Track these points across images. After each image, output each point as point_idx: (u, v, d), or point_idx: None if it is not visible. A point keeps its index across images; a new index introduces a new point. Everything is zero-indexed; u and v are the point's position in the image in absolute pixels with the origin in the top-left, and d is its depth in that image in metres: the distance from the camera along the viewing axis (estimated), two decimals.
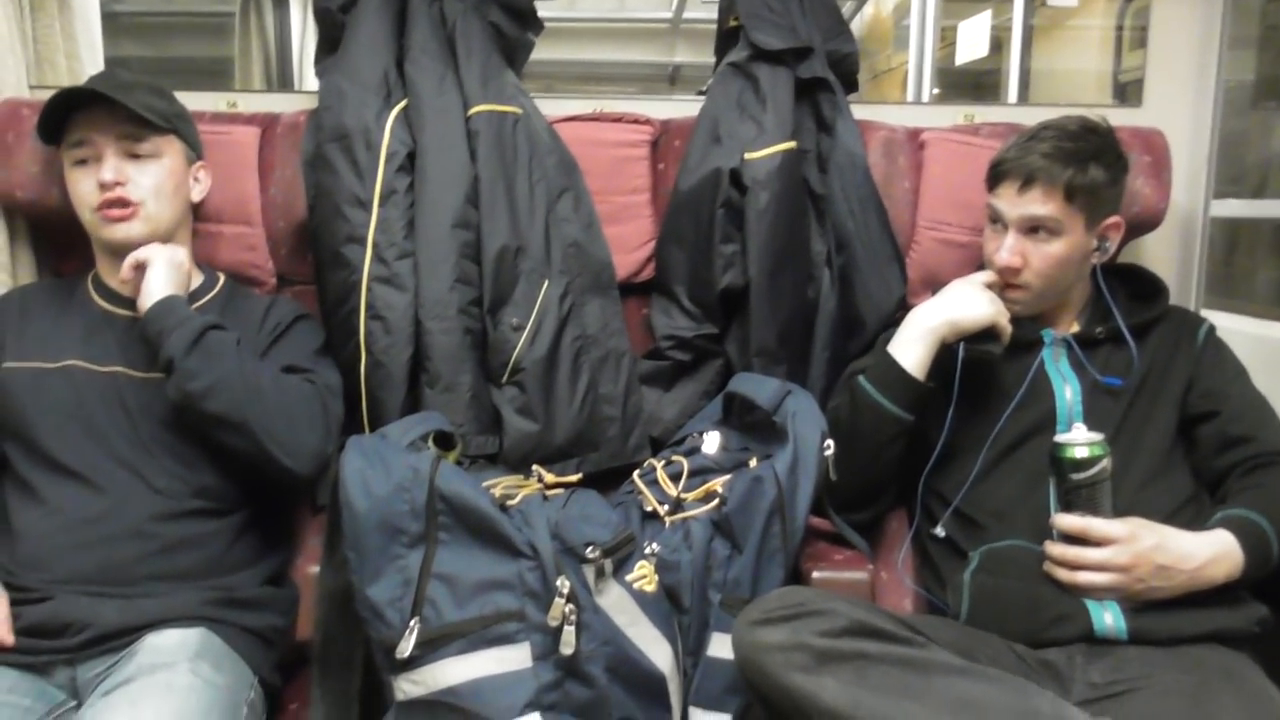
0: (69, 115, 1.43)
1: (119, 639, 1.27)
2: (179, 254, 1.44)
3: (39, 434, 1.36)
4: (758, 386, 1.45)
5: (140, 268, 1.40)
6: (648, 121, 1.74)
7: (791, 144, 1.61)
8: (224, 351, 1.35)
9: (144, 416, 1.39)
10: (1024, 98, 2.72)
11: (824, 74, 1.65)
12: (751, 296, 1.60)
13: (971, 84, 3.35)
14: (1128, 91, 2.11)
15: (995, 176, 1.45)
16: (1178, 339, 1.46)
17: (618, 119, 1.74)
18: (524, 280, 1.57)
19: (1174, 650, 1.22)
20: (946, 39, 3.22)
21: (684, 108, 1.76)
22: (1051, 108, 1.58)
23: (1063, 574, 1.28)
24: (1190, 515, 1.33)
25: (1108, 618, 1.25)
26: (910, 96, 3.30)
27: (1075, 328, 1.49)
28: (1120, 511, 1.29)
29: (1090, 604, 1.27)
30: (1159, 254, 1.82)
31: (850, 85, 1.76)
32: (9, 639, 1.24)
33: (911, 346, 1.43)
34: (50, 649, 1.26)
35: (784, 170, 1.59)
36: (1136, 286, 1.54)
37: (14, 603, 1.28)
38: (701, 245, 1.63)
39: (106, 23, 3.41)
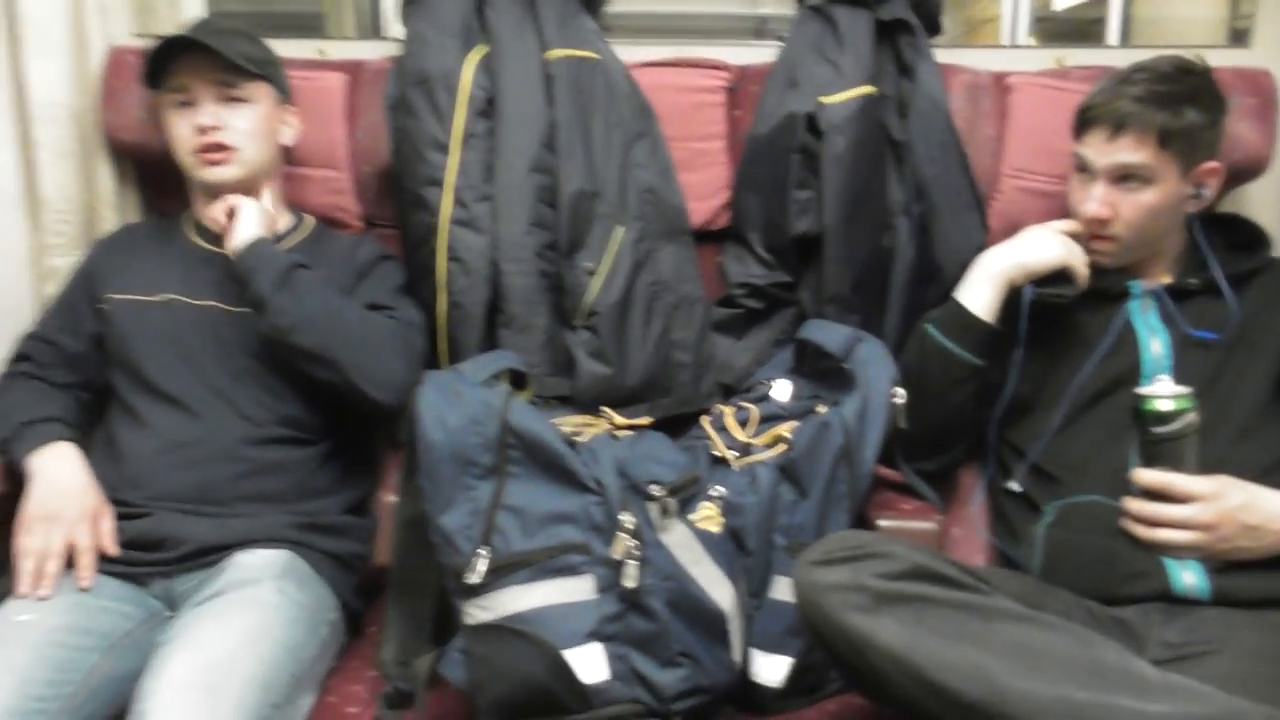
0: (169, 62, 1.49)
1: (211, 555, 1.35)
2: (266, 202, 1.51)
3: (141, 362, 1.45)
4: (828, 333, 1.45)
5: (231, 212, 1.46)
6: (725, 67, 1.73)
7: (870, 88, 1.58)
8: (310, 289, 1.41)
9: (236, 348, 1.46)
10: (1125, 44, 2.60)
11: (905, 15, 1.62)
12: (825, 243, 1.58)
13: (1077, 32, 3.21)
14: (1244, 39, 2.01)
15: (1083, 122, 1.40)
16: (1278, 290, 1.40)
17: (694, 64, 1.73)
18: (599, 225, 1.59)
19: (1258, 613, 1.19)
20: None
21: (762, 54, 1.74)
22: (1148, 49, 1.52)
23: (1141, 530, 1.26)
24: None
25: (1188, 577, 1.23)
26: (1005, 40, 3.18)
27: (1167, 278, 1.44)
28: (1211, 467, 1.26)
29: (1168, 562, 1.24)
30: (1264, 202, 1.73)
31: (934, 28, 1.71)
32: (113, 550, 1.33)
33: (978, 289, 1.41)
34: (148, 562, 1.35)
35: (861, 115, 1.56)
36: (1235, 236, 1.48)
37: (117, 518, 1.37)
38: (776, 191, 1.62)
39: None
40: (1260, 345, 1.38)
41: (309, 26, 3.46)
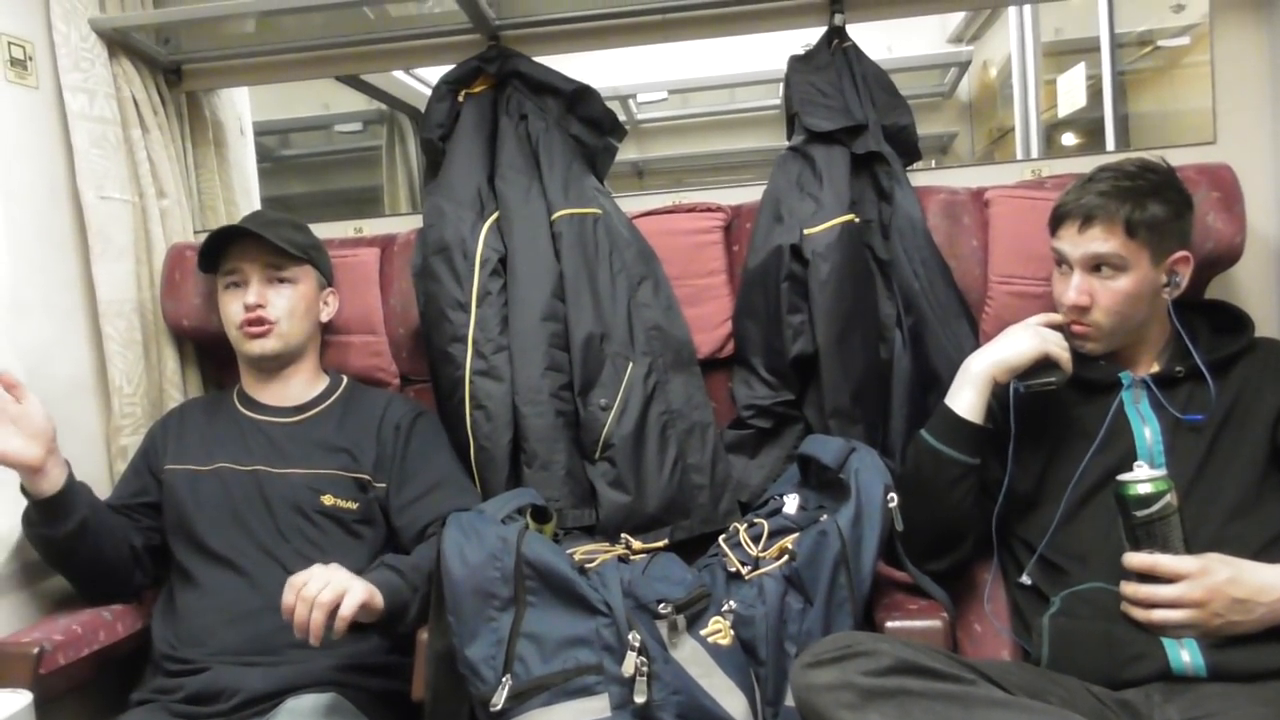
0: (224, 248, 1.70)
1: (264, 703, 1.46)
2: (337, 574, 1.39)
3: (194, 526, 1.60)
4: (823, 447, 1.53)
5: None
6: (720, 209, 1.87)
7: (849, 216, 1.70)
8: (412, 589, 1.45)
9: (281, 507, 1.60)
10: (1122, 144, 2.70)
11: (878, 148, 1.75)
12: (821, 361, 1.68)
13: (1099, 130, 3.32)
14: None
15: (1056, 220, 1.49)
16: (1265, 368, 1.45)
17: (691, 209, 1.88)
18: (610, 363, 1.72)
19: (1255, 686, 1.20)
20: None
21: (754, 193, 1.88)
22: (1115, 155, 1.62)
23: (1138, 613, 1.29)
24: None
25: (1185, 655, 1.25)
26: (1019, 153, 3.31)
27: (1155, 367, 1.49)
28: (1206, 546, 1.29)
29: (1167, 642, 1.26)
30: (1248, 287, 1.79)
31: (912, 154, 1.84)
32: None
33: (962, 391, 1.47)
34: (208, 714, 1.46)
35: (842, 241, 1.68)
36: (1220, 320, 1.53)
37: (176, 674, 1.50)
38: (771, 317, 1.73)
39: (274, 165, 3.86)
40: (1248, 425, 1.41)
41: (369, 200, 3.78)
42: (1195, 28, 2.54)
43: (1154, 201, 1.41)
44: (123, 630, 1.61)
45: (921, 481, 1.48)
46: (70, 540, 1.53)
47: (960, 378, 1.49)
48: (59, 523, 1.51)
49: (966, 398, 1.46)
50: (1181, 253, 1.45)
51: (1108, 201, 1.41)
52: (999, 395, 1.49)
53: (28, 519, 1.54)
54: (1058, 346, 1.45)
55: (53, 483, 1.49)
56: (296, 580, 1.33)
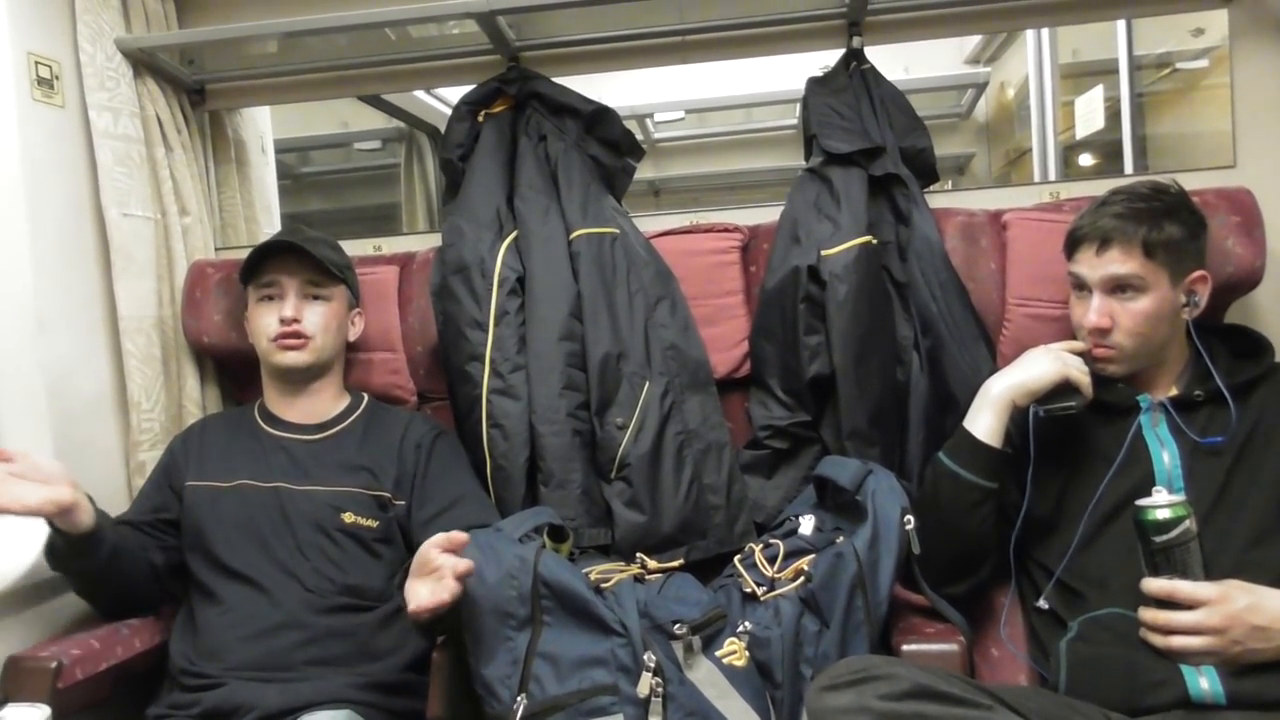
0: (261, 261, 1.71)
1: (280, 719, 1.45)
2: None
3: (214, 542, 1.60)
4: (840, 468, 1.53)
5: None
6: (737, 229, 1.88)
7: (867, 238, 1.70)
8: None
9: (301, 524, 1.61)
10: (1140, 166, 2.70)
11: (895, 170, 1.75)
12: (838, 383, 1.68)
13: (1116, 152, 3.31)
14: None
15: (1072, 244, 1.49)
16: None
17: (709, 229, 1.88)
18: (626, 383, 1.72)
19: (1275, 714, 1.19)
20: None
21: (772, 213, 1.89)
22: (1133, 177, 1.62)
23: (1156, 639, 1.28)
24: None
25: (1204, 682, 1.24)
26: (1036, 175, 3.31)
27: (1174, 390, 1.49)
28: (1228, 573, 1.28)
29: (1186, 669, 1.25)
30: (1269, 311, 1.78)
31: (930, 176, 1.85)
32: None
33: (981, 414, 1.46)
34: None
35: (860, 263, 1.69)
36: (1240, 344, 1.52)
37: (194, 689, 1.50)
38: (788, 338, 1.73)
39: (294, 183, 3.90)
40: (1269, 450, 1.40)
41: (388, 217, 3.81)
42: (1214, 50, 2.54)
43: (1169, 222, 1.41)
44: (140, 645, 1.62)
45: (939, 505, 1.47)
46: (105, 569, 1.53)
47: (979, 401, 1.48)
48: (94, 553, 1.51)
49: (985, 421, 1.46)
50: (1199, 272, 1.45)
51: (1124, 223, 1.41)
52: (1017, 419, 1.49)
53: (56, 554, 1.52)
54: (1078, 370, 1.45)
55: (88, 514, 1.48)
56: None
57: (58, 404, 1.69)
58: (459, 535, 1.33)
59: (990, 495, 1.46)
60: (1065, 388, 1.45)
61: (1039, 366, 1.45)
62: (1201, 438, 1.42)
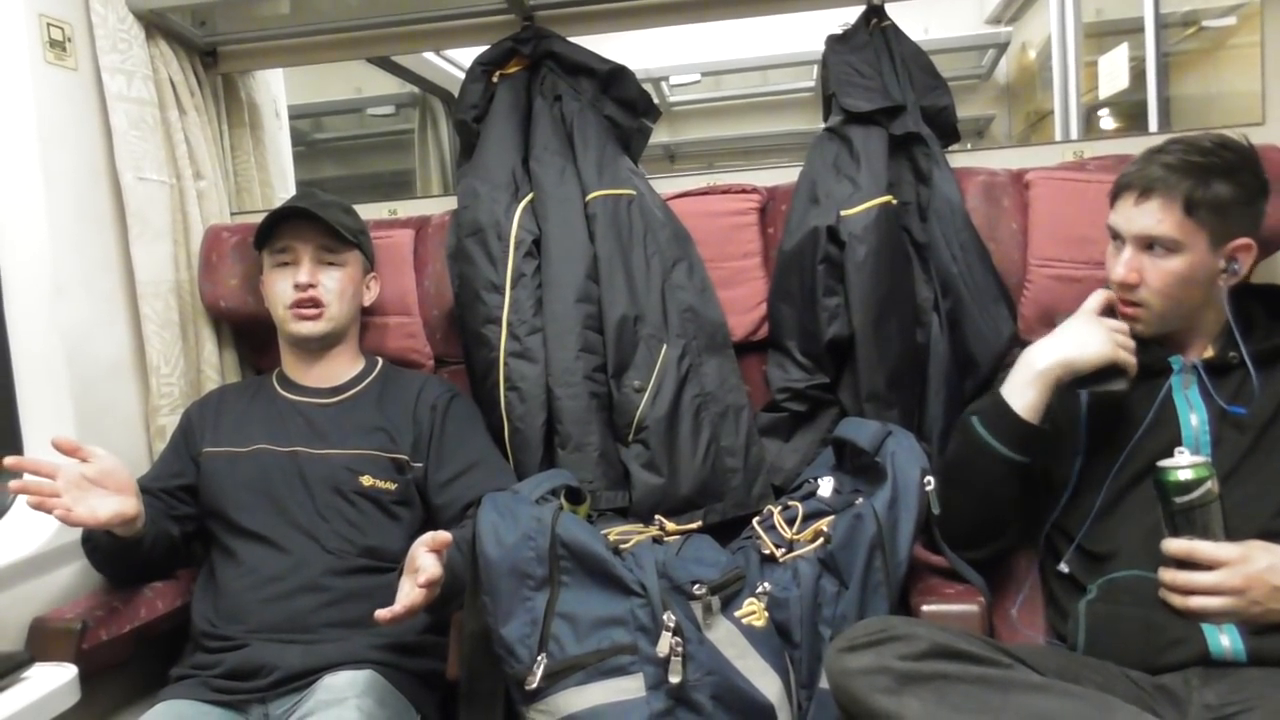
0: (276, 227, 1.70)
1: (301, 679, 1.47)
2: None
3: (233, 507, 1.61)
4: (859, 430, 1.52)
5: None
6: (755, 190, 1.86)
7: (887, 198, 1.68)
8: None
9: (319, 487, 1.61)
10: (1165, 126, 2.66)
11: (916, 129, 1.73)
12: (857, 345, 1.67)
13: (1140, 113, 3.26)
14: None
15: (1117, 190, 1.43)
16: None
17: (726, 190, 1.86)
18: (643, 345, 1.71)
19: None
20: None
21: (790, 174, 1.87)
22: (1159, 136, 1.57)
23: (1176, 599, 1.27)
24: None
25: (1224, 640, 1.23)
26: (1058, 135, 3.27)
27: (1209, 352, 1.44)
28: (1251, 539, 1.27)
29: (1207, 627, 1.25)
30: None
31: (951, 135, 1.82)
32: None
33: (1023, 390, 1.41)
34: (246, 689, 1.48)
35: (879, 224, 1.66)
36: (1278, 306, 1.49)
37: (215, 650, 1.52)
38: (806, 300, 1.72)
39: (308, 149, 3.89)
40: None
41: (402, 184, 3.80)
42: (1242, 7, 2.48)
43: (1222, 181, 1.33)
44: (163, 607, 1.64)
45: (970, 472, 1.45)
46: (143, 557, 1.57)
47: (1022, 373, 1.43)
48: (135, 550, 1.55)
49: (1028, 396, 1.41)
50: (1244, 240, 1.37)
51: (1170, 174, 1.34)
52: (1062, 396, 1.44)
53: (100, 550, 1.56)
54: (1126, 351, 1.39)
55: (142, 519, 1.51)
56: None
57: (77, 369, 1.69)
58: (443, 535, 1.32)
59: (1021, 469, 1.43)
60: (1112, 367, 1.40)
61: (1090, 346, 1.39)
62: (1229, 404, 1.38)
